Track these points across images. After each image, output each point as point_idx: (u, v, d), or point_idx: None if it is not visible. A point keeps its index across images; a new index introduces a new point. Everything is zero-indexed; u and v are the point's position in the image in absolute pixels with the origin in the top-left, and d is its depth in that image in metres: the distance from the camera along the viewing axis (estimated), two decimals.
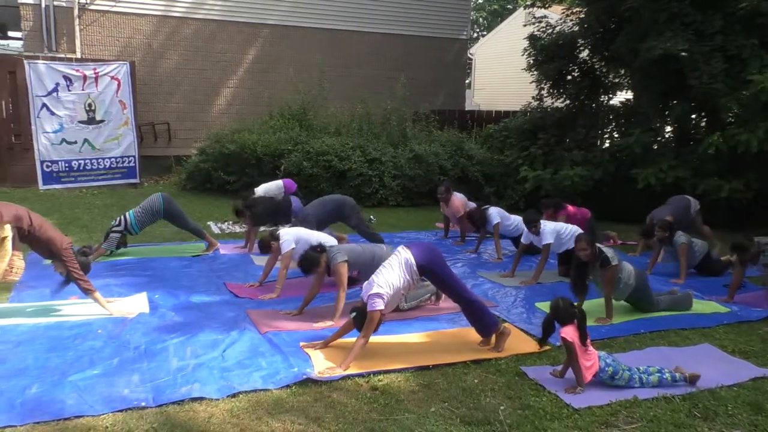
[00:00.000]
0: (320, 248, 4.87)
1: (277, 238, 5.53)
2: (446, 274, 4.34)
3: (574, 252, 5.01)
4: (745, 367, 4.10)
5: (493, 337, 4.30)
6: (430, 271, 4.27)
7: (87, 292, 4.71)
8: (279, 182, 8.31)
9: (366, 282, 4.21)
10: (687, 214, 7.19)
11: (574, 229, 6.26)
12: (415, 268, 4.19)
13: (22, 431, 3.07)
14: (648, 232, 6.81)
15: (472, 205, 9.01)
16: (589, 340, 3.76)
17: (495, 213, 7.34)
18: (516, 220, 7.30)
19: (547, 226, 6.22)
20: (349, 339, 4.37)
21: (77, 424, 3.15)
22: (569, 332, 3.69)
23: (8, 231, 4.50)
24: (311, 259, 4.80)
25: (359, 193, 10.47)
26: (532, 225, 6.21)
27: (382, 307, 3.97)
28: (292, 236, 5.55)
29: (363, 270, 4.85)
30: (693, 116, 9.90)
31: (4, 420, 3.14)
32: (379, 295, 3.98)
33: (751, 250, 5.50)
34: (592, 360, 3.72)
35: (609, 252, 4.96)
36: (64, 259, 4.68)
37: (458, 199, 8.05)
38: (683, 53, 8.26)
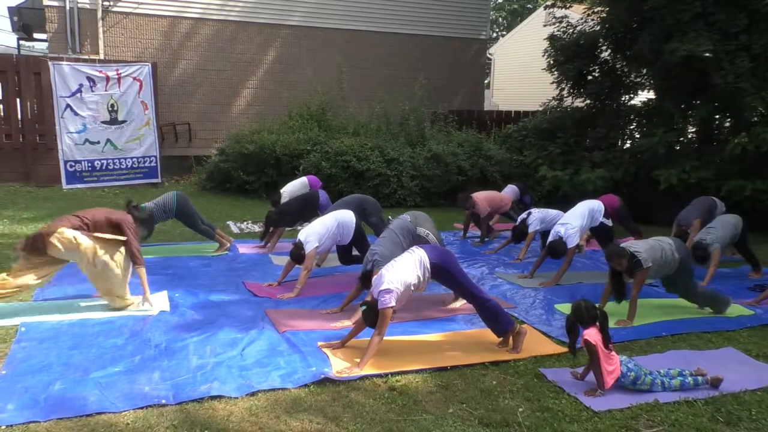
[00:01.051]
0: (367, 272, 4.84)
1: (302, 247, 5.49)
2: (460, 275, 4.32)
3: (609, 264, 4.95)
4: None
5: (510, 338, 4.28)
6: (444, 270, 4.24)
7: (137, 264, 4.86)
8: (303, 180, 8.37)
9: (375, 276, 4.20)
10: (712, 216, 7.07)
11: (595, 207, 6.47)
12: (428, 265, 4.18)
13: (46, 427, 3.12)
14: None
15: (514, 189, 8.83)
16: (611, 344, 3.72)
17: (536, 221, 7.02)
18: (555, 213, 7.14)
19: (570, 229, 6.11)
20: (368, 339, 4.38)
21: (99, 421, 3.19)
22: (592, 334, 3.65)
23: (68, 233, 4.66)
24: (367, 276, 4.81)
25: (377, 194, 10.46)
26: (560, 253, 6.09)
27: (393, 304, 3.95)
28: (315, 237, 5.53)
29: None
30: (717, 116, 9.76)
31: (28, 416, 3.19)
32: (389, 291, 3.95)
33: None
34: (614, 365, 3.67)
35: (642, 254, 4.83)
36: (126, 233, 4.84)
37: (482, 199, 7.99)
38: (707, 54, 8.13)
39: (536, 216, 7.11)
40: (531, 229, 7.03)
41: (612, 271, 4.95)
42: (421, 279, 4.19)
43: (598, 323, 3.70)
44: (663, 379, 3.70)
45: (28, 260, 4.69)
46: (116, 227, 4.89)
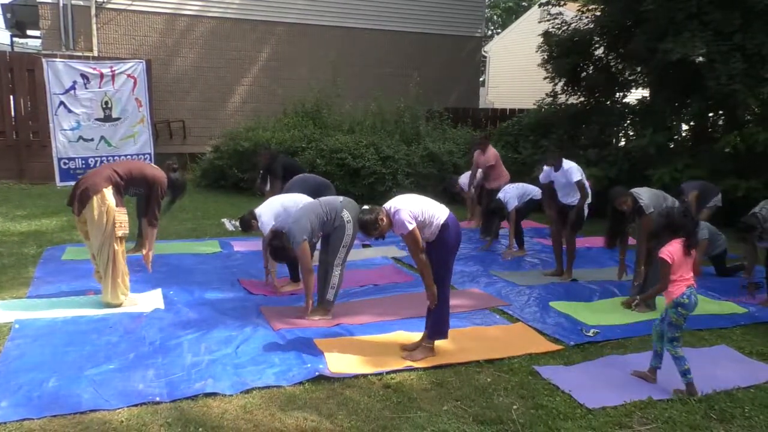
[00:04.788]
0: (280, 234, 4.80)
1: (255, 217, 5.39)
2: (446, 257, 4.06)
3: (615, 205, 5.21)
4: (762, 369, 4.06)
5: (422, 340, 4.14)
6: (444, 239, 3.98)
7: (151, 225, 5.00)
8: None
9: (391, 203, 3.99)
10: (708, 198, 6.96)
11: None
12: (441, 222, 3.95)
13: (39, 424, 3.11)
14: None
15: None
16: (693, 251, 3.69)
17: (513, 198, 7.10)
18: (532, 188, 7.26)
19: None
20: (366, 336, 4.38)
21: (93, 418, 3.18)
22: (673, 248, 3.64)
23: (109, 197, 4.66)
24: (281, 249, 4.77)
25: (373, 192, 10.46)
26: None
27: (414, 224, 3.82)
28: (269, 214, 5.31)
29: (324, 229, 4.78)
30: (710, 114, 9.78)
31: (22, 413, 3.18)
32: (410, 214, 3.81)
33: (757, 227, 5.42)
34: (679, 286, 3.61)
35: (645, 200, 5.10)
36: (152, 194, 4.91)
37: (493, 150, 8.24)
38: (701, 58, 8.15)
39: (512, 193, 7.16)
40: (510, 207, 7.09)
41: (613, 214, 5.04)
42: (424, 221, 3.93)
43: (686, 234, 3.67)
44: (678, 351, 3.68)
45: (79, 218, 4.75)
46: (149, 185, 4.90)
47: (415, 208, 3.92)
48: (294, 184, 7.01)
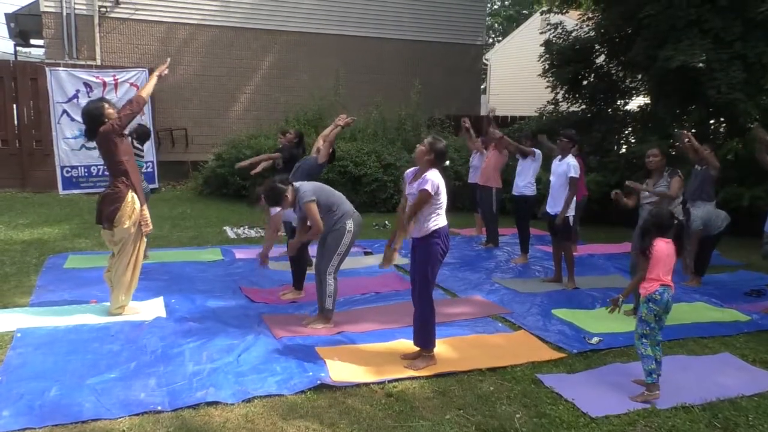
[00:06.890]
0: (286, 182, 4.70)
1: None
2: (433, 268, 4.03)
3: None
4: (765, 377, 4.04)
5: (420, 352, 4.13)
6: (430, 247, 3.98)
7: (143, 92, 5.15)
8: None
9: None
10: (706, 184, 6.46)
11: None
12: (437, 227, 4.03)
13: None
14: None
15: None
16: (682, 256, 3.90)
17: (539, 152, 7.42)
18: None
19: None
20: (367, 344, 4.37)
21: (95, 428, 3.18)
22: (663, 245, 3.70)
23: (133, 199, 4.71)
24: (278, 191, 4.61)
25: (374, 199, 10.49)
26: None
27: (434, 192, 3.98)
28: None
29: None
30: (711, 121, 9.79)
31: (23, 422, 3.17)
32: (438, 186, 4.03)
33: None
34: (654, 280, 3.67)
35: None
36: (116, 121, 5.02)
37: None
38: (701, 65, 8.16)
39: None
40: (537, 150, 7.50)
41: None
42: (433, 204, 4.03)
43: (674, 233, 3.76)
44: (653, 353, 3.69)
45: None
46: (105, 140, 4.85)
47: (442, 189, 4.08)
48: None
